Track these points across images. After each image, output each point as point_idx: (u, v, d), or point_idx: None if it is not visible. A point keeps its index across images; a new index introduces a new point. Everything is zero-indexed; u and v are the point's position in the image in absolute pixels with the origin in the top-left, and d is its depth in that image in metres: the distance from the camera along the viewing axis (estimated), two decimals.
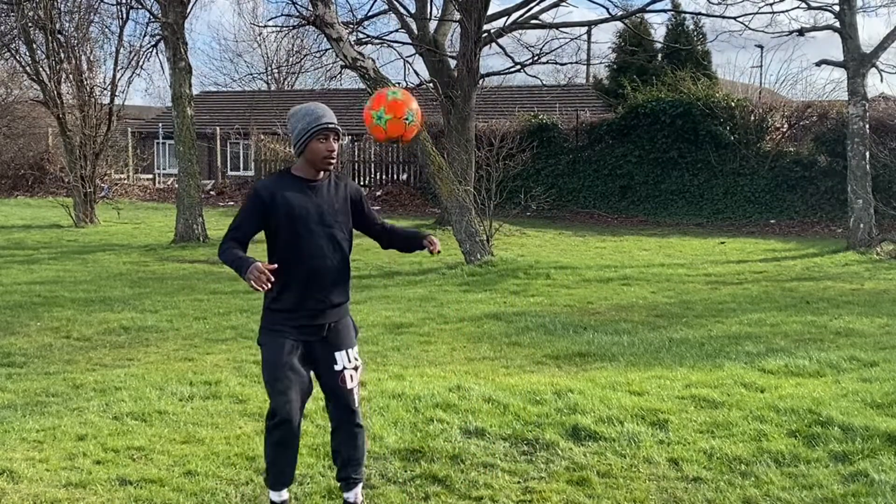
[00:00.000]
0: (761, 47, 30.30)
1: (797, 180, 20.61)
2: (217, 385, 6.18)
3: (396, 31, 19.90)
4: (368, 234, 4.19)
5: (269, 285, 3.54)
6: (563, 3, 19.37)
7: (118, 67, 18.98)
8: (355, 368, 4.00)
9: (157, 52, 18.16)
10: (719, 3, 18.06)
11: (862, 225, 14.97)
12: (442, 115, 18.93)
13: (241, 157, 31.74)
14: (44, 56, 18.72)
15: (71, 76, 18.88)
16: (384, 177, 26.81)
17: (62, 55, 18.65)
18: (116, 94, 19.11)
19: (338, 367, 3.95)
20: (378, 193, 25.46)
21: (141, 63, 19.38)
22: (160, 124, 32.70)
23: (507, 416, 5.41)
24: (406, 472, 4.59)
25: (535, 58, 19.34)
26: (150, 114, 38.35)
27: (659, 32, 26.72)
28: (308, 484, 4.42)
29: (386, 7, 19.45)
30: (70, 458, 4.75)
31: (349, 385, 3.97)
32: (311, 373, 3.98)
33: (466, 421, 5.29)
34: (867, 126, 15.34)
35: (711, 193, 21.45)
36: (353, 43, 13.49)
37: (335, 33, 12.85)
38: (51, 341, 7.86)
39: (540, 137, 22.22)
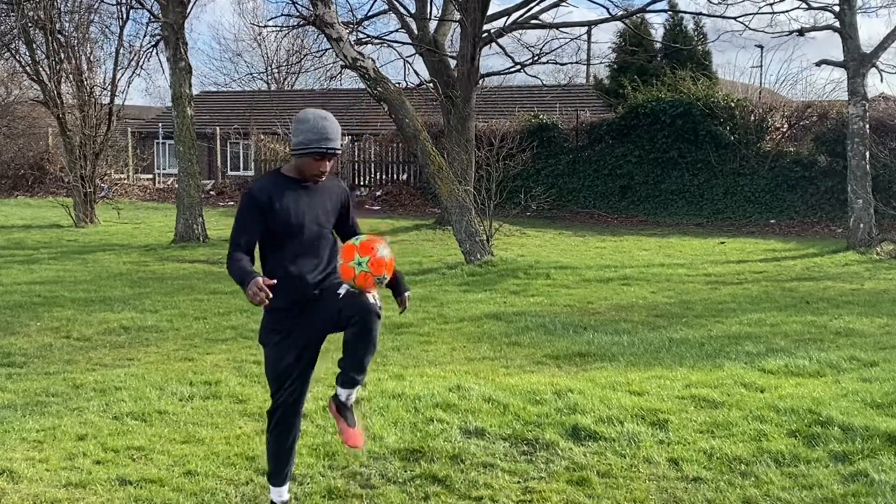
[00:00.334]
0: (761, 47, 30.29)
1: (797, 180, 20.60)
2: (217, 385, 6.19)
3: (396, 31, 19.93)
4: (344, 240, 4.08)
5: (267, 302, 3.54)
6: (563, 3, 19.37)
7: (118, 67, 18.98)
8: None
9: (157, 52, 18.17)
10: (719, 3, 18.08)
11: (862, 225, 14.97)
12: (442, 115, 18.93)
13: (241, 157, 31.73)
14: (44, 56, 18.71)
15: (71, 76, 18.87)
16: (384, 177, 26.81)
17: (62, 55, 18.64)
18: (116, 94, 19.13)
19: (340, 291, 3.85)
20: (378, 193, 25.45)
21: (141, 63, 19.39)
22: (160, 124, 32.68)
23: (507, 416, 5.41)
24: (406, 472, 4.59)
25: (535, 58, 19.33)
26: (150, 114, 38.34)
27: (659, 32, 26.71)
28: (308, 484, 4.42)
29: (386, 7, 19.46)
30: (70, 458, 4.75)
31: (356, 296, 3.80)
32: (311, 373, 3.99)
33: (466, 421, 5.29)
34: (867, 126, 15.34)
35: (711, 193, 21.45)
36: (353, 43, 13.49)
37: (335, 33, 12.85)
38: (51, 341, 7.86)
39: (540, 137, 22.21)
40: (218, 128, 30.71)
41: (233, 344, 7.76)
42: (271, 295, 3.55)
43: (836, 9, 15.35)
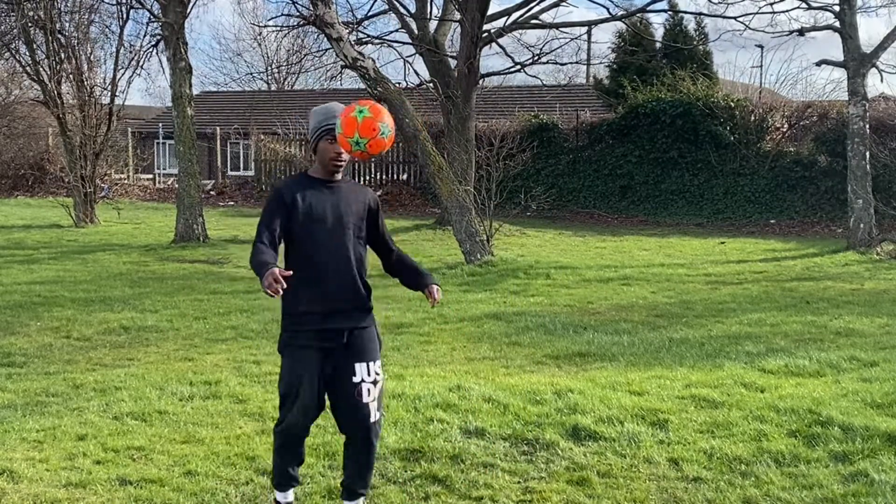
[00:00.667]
0: (761, 47, 30.31)
1: (797, 180, 20.60)
2: (217, 385, 6.18)
3: (396, 31, 19.93)
4: (374, 248, 4.14)
5: (281, 292, 3.53)
6: (563, 3, 19.37)
7: (118, 67, 18.98)
8: (374, 383, 3.89)
9: (157, 52, 18.15)
10: (720, 3, 18.09)
11: (862, 225, 14.97)
12: (442, 115, 18.93)
13: (241, 157, 31.73)
14: (44, 56, 18.70)
15: (71, 76, 18.87)
16: (384, 177, 26.82)
17: (62, 55, 18.64)
18: (116, 94, 19.12)
19: (356, 379, 3.86)
20: (378, 193, 25.46)
21: (141, 63, 19.38)
22: (160, 124, 32.68)
23: (507, 416, 5.41)
24: (406, 472, 4.59)
25: (535, 58, 19.34)
26: (150, 114, 38.34)
27: (659, 32, 26.71)
28: (308, 484, 4.42)
29: (386, 7, 19.46)
30: (70, 458, 4.75)
31: (365, 399, 3.86)
32: (325, 392, 3.93)
33: (466, 421, 5.29)
34: (867, 126, 15.34)
35: (711, 193, 21.45)
36: (353, 43, 13.49)
37: (335, 33, 12.85)
38: (51, 341, 7.86)
39: (540, 137, 22.21)
40: (218, 128, 30.71)
41: (233, 344, 7.76)
42: (285, 285, 3.52)
43: (836, 9, 15.36)
